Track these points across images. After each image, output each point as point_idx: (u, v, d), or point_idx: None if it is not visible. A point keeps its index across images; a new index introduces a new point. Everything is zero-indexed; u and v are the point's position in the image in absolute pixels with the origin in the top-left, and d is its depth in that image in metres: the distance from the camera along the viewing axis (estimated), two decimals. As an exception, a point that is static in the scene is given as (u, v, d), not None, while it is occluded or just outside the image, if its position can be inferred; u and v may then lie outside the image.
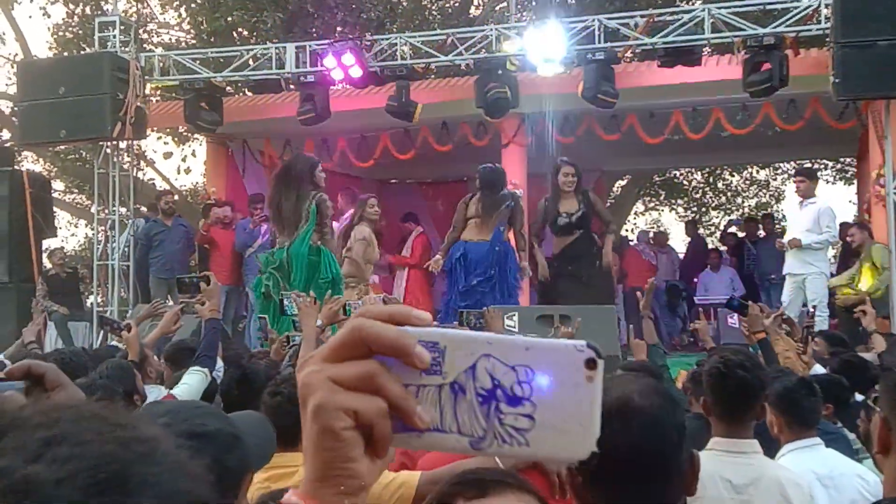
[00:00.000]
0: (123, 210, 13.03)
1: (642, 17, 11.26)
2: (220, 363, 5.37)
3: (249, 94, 15.77)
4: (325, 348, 0.85)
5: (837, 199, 24.72)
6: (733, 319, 9.70)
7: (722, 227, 22.73)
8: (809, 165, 15.94)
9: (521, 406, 0.84)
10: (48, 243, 14.71)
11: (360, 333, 0.83)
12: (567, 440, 0.85)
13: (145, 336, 6.62)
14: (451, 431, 0.84)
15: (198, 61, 13.00)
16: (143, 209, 13.69)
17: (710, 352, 6.02)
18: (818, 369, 5.94)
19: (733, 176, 27.20)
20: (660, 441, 1.91)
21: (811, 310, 10.32)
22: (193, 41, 20.42)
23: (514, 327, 8.37)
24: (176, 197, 17.78)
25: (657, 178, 25.32)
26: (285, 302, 5.96)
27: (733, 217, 25.22)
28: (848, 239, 11.35)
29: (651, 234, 17.32)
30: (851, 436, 4.70)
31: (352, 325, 0.84)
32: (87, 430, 0.73)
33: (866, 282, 10.29)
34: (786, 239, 10.85)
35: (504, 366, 0.84)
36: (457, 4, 21.76)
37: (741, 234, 16.13)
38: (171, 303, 10.70)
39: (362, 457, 0.83)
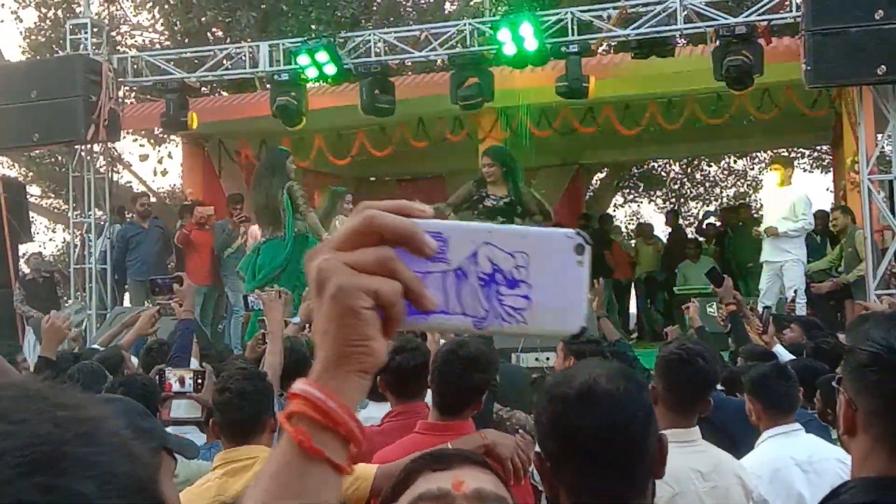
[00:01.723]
0: (100, 213, 12.96)
1: (615, 9, 11.27)
2: (194, 363, 5.36)
3: (224, 94, 15.70)
4: (336, 238, 0.90)
5: (814, 187, 24.87)
6: (712, 308, 9.74)
7: (699, 218, 22.81)
8: (785, 154, 16.02)
9: (518, 288, 0.92)
10: (25, 248, 14.64)
11: (373, 222, 0.89)
12: (560, 317, 0.93)
13: (122, 339, 6.60)
14: (456, 313, 0.92)
15: (171, 62, 12.93)
16: (129, 215, 13.60)
17: (732, 313, 6.10)
18: (780, 350, 5.99)
19: (711, 166, 27.30)
20: (627, 423, 1.91)
21: (792, 295, 10.36)
22: (167, 42, 20.33)
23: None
24: (153, 199, 17.72)
25: (635, 170, 25.40)
26: (249, 298, 5.95)
27: (711, 208, 25.32)
28: (831, 222, 11.40)
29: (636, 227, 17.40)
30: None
31: (364, 215, 0.89)
32: (27, 408, 0.72)
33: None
34: (762, 227, 10.90)
35: (503, 252, 0.92)
36: (431, 1, 21.74)
37: (718, 224, 16.21)
38: (149, 305, 10.66)
39: (378, 335, 0.89)
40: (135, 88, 14.80)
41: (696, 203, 28.33)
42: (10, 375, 1.57)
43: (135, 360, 6.39)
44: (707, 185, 28.30)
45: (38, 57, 19.09)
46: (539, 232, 0.94)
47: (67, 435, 0.71)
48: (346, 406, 0.90)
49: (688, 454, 3.17)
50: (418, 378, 4.02)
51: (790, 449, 3.94)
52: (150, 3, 20.40)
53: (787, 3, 10.53)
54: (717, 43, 10.66)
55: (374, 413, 4.70)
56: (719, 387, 5.33)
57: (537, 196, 10.16)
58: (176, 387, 4.72)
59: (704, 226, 16.96)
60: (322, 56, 11.57)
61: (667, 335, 7.53)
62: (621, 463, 1.90)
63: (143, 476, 0.75)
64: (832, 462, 3.82)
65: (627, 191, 27.59)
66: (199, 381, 4.64)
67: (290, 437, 0.88)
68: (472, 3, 20.39)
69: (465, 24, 11.77)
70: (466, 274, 0.92)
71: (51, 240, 25.08)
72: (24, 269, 13.62)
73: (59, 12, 20.25)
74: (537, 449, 2.01)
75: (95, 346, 7.14)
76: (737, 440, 4.09)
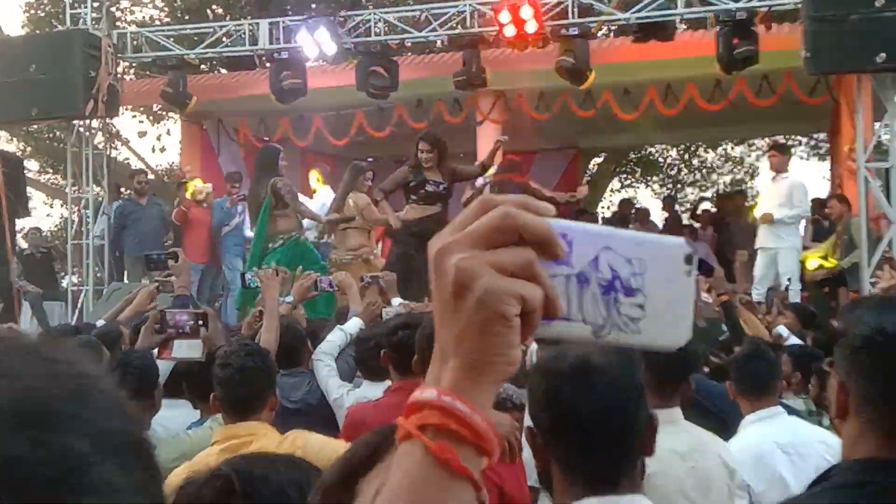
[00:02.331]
0: (98, 189, 12.95)
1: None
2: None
3: (223, 71, 15.67)
4: (470, 234, 0.83)
5: (811, 175, 24.83)
6: (706, 296, 9.76)
7: (694, 203, 22.82)
8: (783, 141, 16.02)
9: (634, 297, 0.88)
10: (22, 223, 14.61)
11: (512, 221, 0.83)
12: (669, 329, 0.90)
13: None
14: (577, 320, 0.88)
15: (171, 38, 12.90)
16: (124, 191, 13.57)
17: (725, 303, 6.10)
18: (783, 331, 6.00)
19: (708, 153, 27.30)
20: (619, 399, 1.95)
21: (787, 283, 10.39)
22: (167, 18, 20.25)
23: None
24: (151, 176, 17.69)
25: (633, 156, 25.39)
26: (247, 276, 5.96)
27: (707, 194, 25.33)
28: (826, 211, 11.43)
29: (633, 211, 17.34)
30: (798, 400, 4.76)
31: (501, 212, 0.83)
32: (19, 362, 0.70)
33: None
34: (758, 213, 10.92)
35: (621, 258, 0.88)
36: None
37: (714, 210, 16.21)
38: (146, 282, 10.68)
39: (519, 343, 0.84)
40: (134, 64, 14.77)
41: (693, 189, 28.34)
42: None
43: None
44: (704, 171, 28.29)
45: (37, 31, 19.01)
46: (654, 238, 0.91)
47: (61, 390, 0.69)
48: (490, 420, 0.84)
49: (667, 434, 3.20)
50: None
51: (773, 433, 3.94)
52: (150, -21, 20.32)
53: (788, -11, 10.53)
54: (717, 28, 10.66)
55: (368, 393, 4.73)
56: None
57: (464, 166, 10.09)
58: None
59: (699, 211, 16.96)
60: (322, 35, 11.55)
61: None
62: (614, 439, 1.93)
63: (135, 435, 0.74)
64: (816, 445, 3.82)
65: (624, 176, 27.59)
66: (201, 322, 4.64)
67: (433, 453, 0.82)
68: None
69: (465, 5, 11.74)
70: (588, 279, 0.88)
71: (48, 215, 25.02)
72: (22, 244, 13.60)
73: (60, -13, 20.17)
74: (529, 423, 2.04)
75: (101, 321, 7.15)
76: (728, 425, 4.10)
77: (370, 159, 17.31)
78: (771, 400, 4.07)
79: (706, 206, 17.57)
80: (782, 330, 6.09)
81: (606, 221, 15.78)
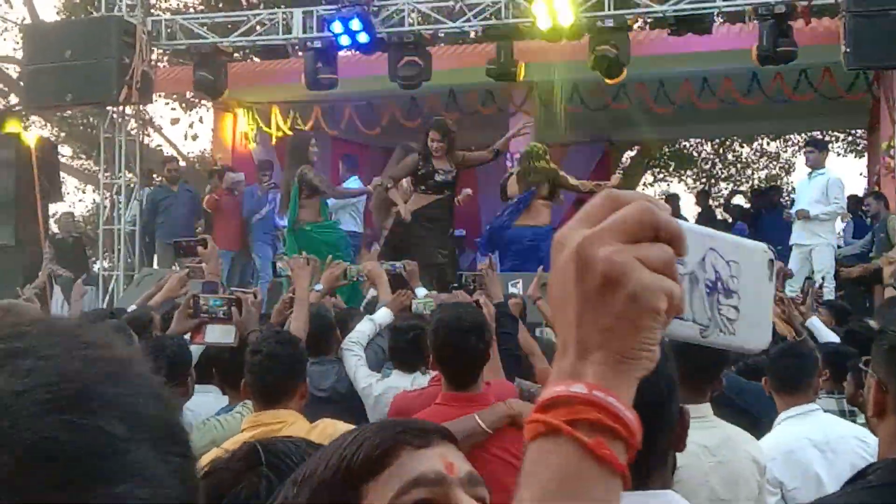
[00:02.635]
0: (130, 175, 13.03)
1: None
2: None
3: (256, 59, 15.69)
4: (612, 229, 0.83)
5: (848, 171, 24.62)
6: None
7: (726, 196, 22.68)
8: (820, 136, 15.84)
9: (732, 298, 0.91)
10: (55, 208, 14.73)
11: (652, 217, 0.83)
12: (756, 331, 0.93)
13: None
14: (688, 319, 0.89)
15: (205, 26, 12.94)
16: (156, 177, 13.63)
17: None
18: (816, 324, 5.89)
19: (743, 147, 27.05)
20: (651, 393, 1.90)
21: (820, 281, 10.28)
22: (201, 7, 20.33)
23: (518, 294, 8.35)
24: (183, 163, 17.79)
25: (666, 149, 25.20)
26: (278, 265, 5.94)
27: (742, 188, 25.10)
28: (864, 208, 11.29)
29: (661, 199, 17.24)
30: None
31: (642, 206, 0.84)
32: (56, 345, 0.70)
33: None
34: (794, 209, 10.79)
35: (722, 260, 0.90)
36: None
37: (747, 205, 16.07)
38: (177, 268, 10.73)
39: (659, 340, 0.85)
40: (168, 52, 14.82)
41: (727, 184, 28.11)
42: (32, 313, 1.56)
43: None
44: (738, 166, 28.04)
45: (72, 17, 19.15)
46: (745, 242, 0.93)
47: (97, 373, 0.70)
48: (636, 414, 0.85)
49: (697, 429, 3.15)
50: None
51: (806, 430, 3.90)
52: (186, -33, 20.40)
53: (828, -17, 10.40)
54: (756, 22, 10.54)
55: (397, 383, 4.72)
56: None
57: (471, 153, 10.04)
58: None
59: (731, 204, 16.83)
60: (355, 24, 11.54)
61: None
62: (645, 433, 1.89)
63: (171, 419, 0.74)
64: (851, 441, 3.77)
65: (658, 170, 27.40)
66: (235, 307, 4.64)
67: (592, 450, 0.81)
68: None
69: (500, -3, 11.69)
70: (698, 279, 0.90)
71: (80, 200, 25.25)
72: (54, 228, 13.71)
73: (95, -27, 20.30)
74: None
75: (133, 306, 7.18)
76: (761, 422, 4.05)
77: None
78: (806, 397, 4.02)
79: (739, 200, 17.42)
80: (815, 322, 5.98)
81: None
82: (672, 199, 16.06)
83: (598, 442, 0.81)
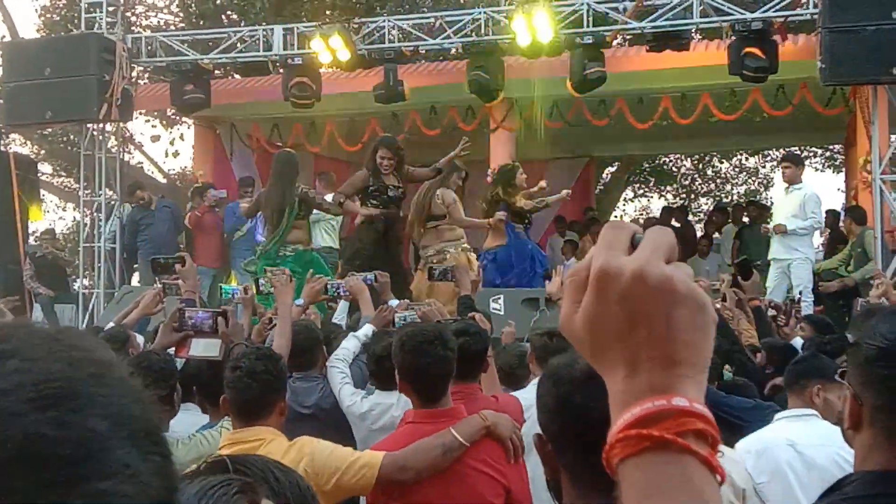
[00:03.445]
0: (110, 193, 12.99)
1: (631, 0, 11.24)
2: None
3: (237, 76, 15.71)
4: (662, 253, 0.89)
5: (826, 186, 24.78)
6: (719, 305, 9.70)
7: (710, 210, 22.75)
8: (797, 151, 15.95)
9: None
10: (35, 226, 14.68)
11: (671, 241, 0.91)
12: None
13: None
14: None
15: (185, 43, 12.94)
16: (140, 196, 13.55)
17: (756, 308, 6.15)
18: (799, 343, 5.96)
19: (722, 163, 27.23)
20: None
21: (797, 296, 10.34)
22: (182, 24, 20.33)
23: (500, 310, 8.40)
24: (164, 180, 17.73)
25: (646, 165, 25.34)
26: (260, 281, 5.92)
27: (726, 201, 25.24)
28: (842, 224, 11.37)
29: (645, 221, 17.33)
30: None
31: (667, 232, 0.91)
32: (40, 347, 0.73)
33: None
34: (771, 224, 10.86)
35: None
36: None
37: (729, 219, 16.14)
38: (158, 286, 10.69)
39: None
40: (148, 69, 14.81)
41: (707, 199, 28.26)
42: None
43: (140, 338, 6.39)
44: (718, 181, 28.22)
45: (52, 34, 19.11)
46: None
47: (81, 374, 0.72)
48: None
49: None
50: (477, 361, 4.14)
51: (792, 430, 3.94)
52: (166, -16, 20.41)
53: (804, 0, 10.50)
54: (733, 38, 10.63)
55: (384, 399, 4.70)
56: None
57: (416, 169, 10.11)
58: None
59: (712, 218, 16.90)
60: (336, 41, 11.57)
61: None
62: None
63: (152, 420, 0.76)
64: (832, 449, 3.77)
65: (638, 185, 27.54)
66: (220, 321, 4.61)
67: (708, 462, 0.85)
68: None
69: (479, 13, 11.76)
70: None
71: (60, 218, 25.15)
72: (32, 242, 13.66)
73: (75, -10, 20.28)
74: (537, 431, 2.02)
75: (111, 324, 7.15)
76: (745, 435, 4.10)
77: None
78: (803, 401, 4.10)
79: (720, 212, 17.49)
80: (798, 343, 6.07)
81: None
82: (669, 213, 16.16)
83: (711, 454, 0.85)
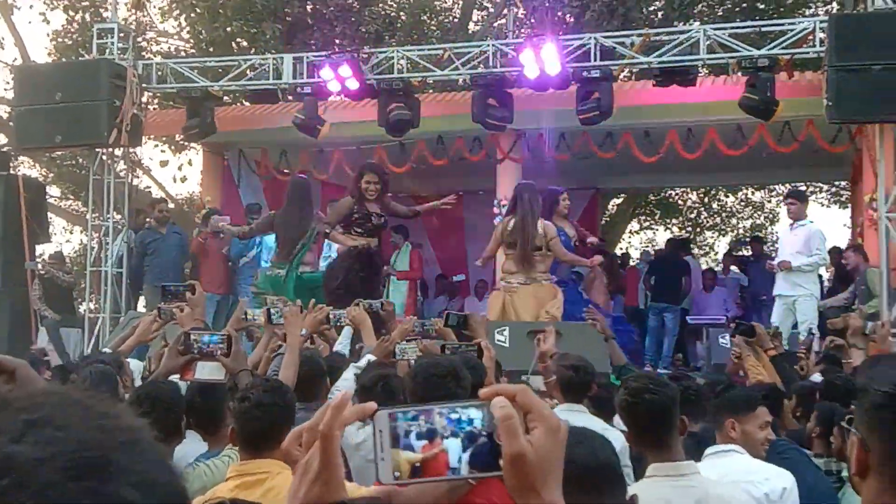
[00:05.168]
0: (118, 217, 13.03)
1: (638, 36, 11.31)
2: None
3: (246, 104, 15.78)
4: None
5: (832, 222, 24.78)
6: (724, 340, 9.69)
7: (730, 246, 22.84)
8: (803, 187, 15.97)
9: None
10: (42, 248, 14.71)
11: None
12: None
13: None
14: None
15: (195, 70, 13.02)
16: (149, 220, 13.55)
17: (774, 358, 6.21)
18: (819, 380, 5.98)
19: (728, 197, 27.25)
20: (609, 456, 2.34)
21: (809, 332, 10.30)
22: (192, 50, 20.46)
23: (505, 342, 8.38)
24: (171, 205, 17.79)
25: (652, 198, 25.37)
26: (272, 311, 5.91)
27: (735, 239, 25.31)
28: (843, 262, 11.36)
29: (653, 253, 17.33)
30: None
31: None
32: (72, 415, 0.74)
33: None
34: (776, 261, 10.87)
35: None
36: (455, 20, 21.83)
37: (748, 253, 16.20)
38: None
39: None
40: (158, 95, 14.88)
41: (712, 233, 28.26)
42: (38, 383, 1.58)
43: (135, 363, 6.37)
44: (724, 215, 28.23)
45: (63, 59, 19.24)
46: None
47: (113, 442, 0.74)
48: None
49: (664, 487, 3.16)
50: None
51: (711, 467, 3.86)
52: (177, 11, 20.55)
53: (811, 37, 10.54)
54: (739, 74, 10.68)
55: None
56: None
57: (395, 203, 10.14)
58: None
59: (734, 253, 16.94)
60: (345, 70, 11.64)
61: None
62: (607, 487, 2.32)
63: (180, 487, 0.78)
64: (739, 487, 3.66)
65: (644, 218, 27.56)
66: (226, 344, 4.61)
67: None
68: (496, 23, 20.49)
69: (488, 45, 11.83)
70: None
71: (68, 241, 25.20)
72: (39, 267, 13.69)
73: (87, 16, 20.42)
74: None
75: (107, 349, 7.15)
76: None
77: (388, 194, 17.44)
78: (728, 438, 4.15)
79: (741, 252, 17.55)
80: (818, 379, 6.10)
81: (653, 262, 15.60)
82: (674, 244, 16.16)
83: None
